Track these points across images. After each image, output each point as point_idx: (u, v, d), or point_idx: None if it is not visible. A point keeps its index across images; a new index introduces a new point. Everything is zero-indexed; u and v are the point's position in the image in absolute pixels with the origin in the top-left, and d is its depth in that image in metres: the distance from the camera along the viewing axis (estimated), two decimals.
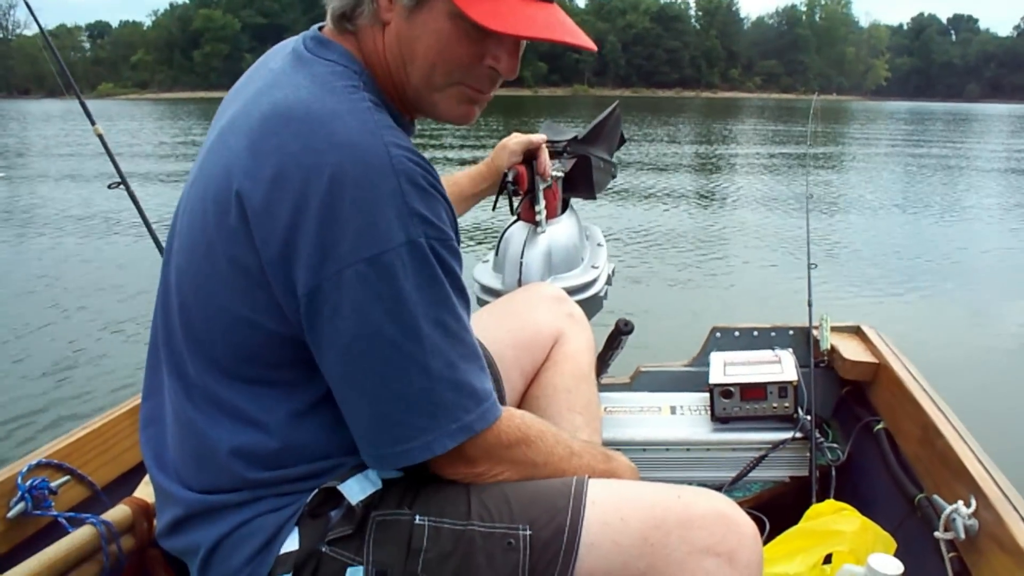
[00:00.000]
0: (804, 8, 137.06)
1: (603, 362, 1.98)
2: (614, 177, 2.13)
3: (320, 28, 1.12)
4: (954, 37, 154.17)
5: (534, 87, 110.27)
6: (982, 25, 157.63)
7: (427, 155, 1.02)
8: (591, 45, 1.11)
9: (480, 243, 6.73)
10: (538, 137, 1.82)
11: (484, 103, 1.13)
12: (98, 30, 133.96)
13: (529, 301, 1.63)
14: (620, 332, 1.95)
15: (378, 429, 1.00)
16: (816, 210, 10.54)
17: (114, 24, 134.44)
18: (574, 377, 1.54)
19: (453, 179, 1.76)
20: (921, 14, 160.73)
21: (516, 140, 1.80)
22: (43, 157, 17.81)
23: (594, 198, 2.04)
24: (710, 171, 16.21)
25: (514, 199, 1.82)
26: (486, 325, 1.49)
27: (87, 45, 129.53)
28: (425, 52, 1.05)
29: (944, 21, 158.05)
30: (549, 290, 1.69)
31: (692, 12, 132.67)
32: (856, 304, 6.02)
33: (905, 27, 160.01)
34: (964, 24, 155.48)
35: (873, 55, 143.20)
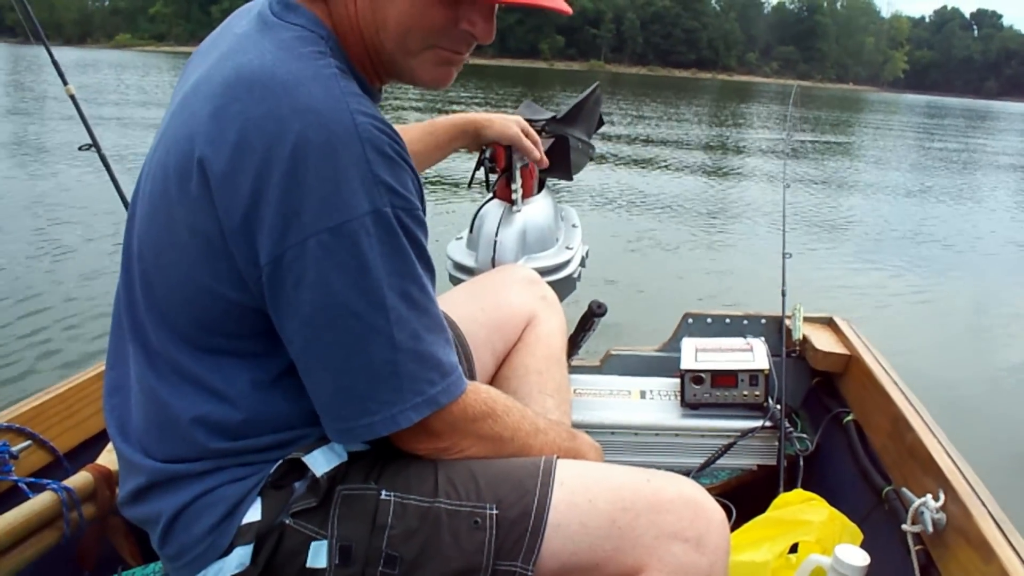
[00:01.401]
0: None
1: (574, 344, 1.97)
2: (591, 159, 2.11)
3: None
4: (976, 32, 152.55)
5: (550, 60, 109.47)
6: (1006, 21, 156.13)
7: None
8: (564, 7, 1.08)
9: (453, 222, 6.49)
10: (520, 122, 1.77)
11: (460, 64, 1.11)
12: None
13: (503, 282, 1.63)
14: (593, 314, 1.93)
15: (341, 402, 0.98)
16: (801, 196, 10.40)
17: None
18: (546, 359, 1.53)
19: (432, 125, 1.70)
20: (944, 7, 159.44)
21: (515, 128, 1.74)
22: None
23: (571, 179, 2.02)
24: (701, 154, 15.82)
25: (490, 176, 1.80)
26: (459, 304, 1.49)
27: None
28: (399, 17, 1.02)
29: (967, 16, 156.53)
30: (523, 272, 1.68)
31: None
32: (832, 295, 5.98)
33: (927, 20, 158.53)
34: (987, 19, 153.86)
35: (892, 46, 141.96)
